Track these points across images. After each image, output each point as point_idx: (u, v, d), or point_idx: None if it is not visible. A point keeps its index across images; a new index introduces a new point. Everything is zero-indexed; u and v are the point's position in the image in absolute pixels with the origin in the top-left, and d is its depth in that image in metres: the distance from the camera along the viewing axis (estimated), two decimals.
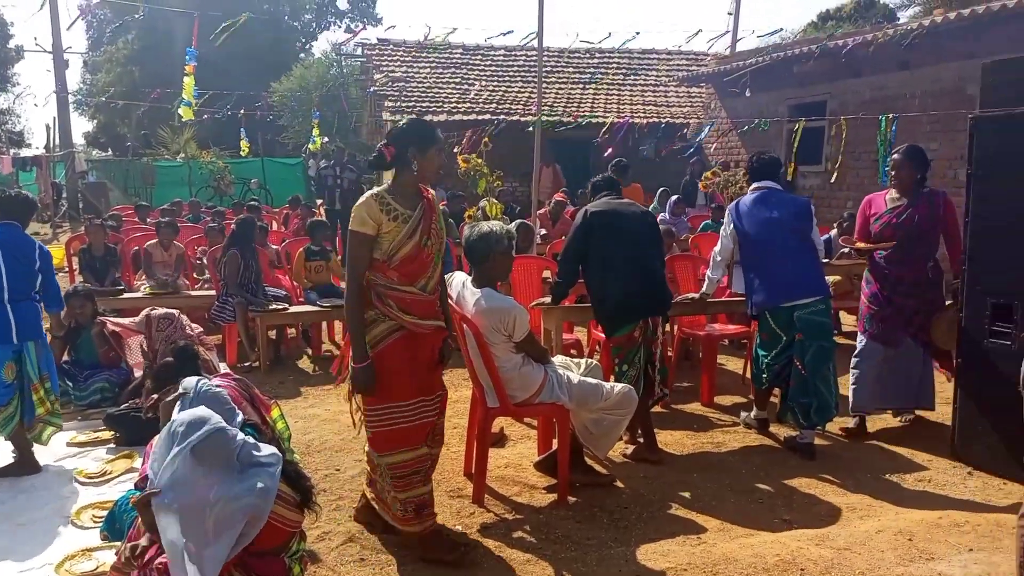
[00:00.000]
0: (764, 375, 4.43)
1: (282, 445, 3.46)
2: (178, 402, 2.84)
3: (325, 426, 4.75)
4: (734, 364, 6.18)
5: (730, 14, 21.37)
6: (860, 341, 4.58)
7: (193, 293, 7.02)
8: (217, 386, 2.98)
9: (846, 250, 7.31)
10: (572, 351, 5.49)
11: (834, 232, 7.57)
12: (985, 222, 3.94)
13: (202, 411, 2.49)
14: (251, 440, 2.49)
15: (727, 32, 16.68)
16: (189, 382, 2.87)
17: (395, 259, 3.01)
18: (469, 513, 3.54)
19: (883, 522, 3.38)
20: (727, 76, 12.83)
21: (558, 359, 3.94)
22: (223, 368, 5.01)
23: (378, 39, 18.32)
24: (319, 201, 12.72)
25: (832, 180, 9.48)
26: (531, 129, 7.82)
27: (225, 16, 10.80)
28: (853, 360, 4.57)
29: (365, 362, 3.01)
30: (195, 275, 7.72)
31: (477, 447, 3.71)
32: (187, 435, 2.38)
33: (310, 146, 14.44)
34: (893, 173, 4.42)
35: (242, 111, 13.88)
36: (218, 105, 18.29)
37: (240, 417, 3.00)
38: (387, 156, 3.06)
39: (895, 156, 4.44)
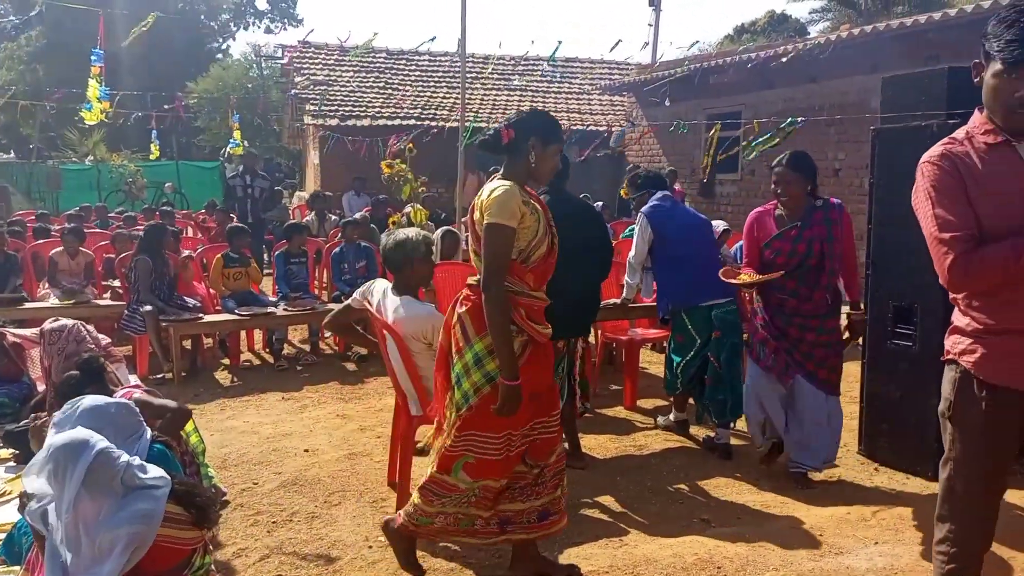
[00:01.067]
0: (679, 380, 4.48)
1: (196, 459, 3.34)
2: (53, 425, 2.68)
3: (243, 438, 4.61)
4: (656, 367, 6.31)
5: (650, 25, 21.90)
6: (750, 366, 4.10)
7: (101, 302, 6.70)
8: (121, 400, 2.84)
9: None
10: None
11: None
12: (887, 229, 4.14)
13: (81, 432, 2.37)
14: (136, 461, 2.38)
15: (647, 44, 17.09)
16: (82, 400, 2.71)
17: (532, 260, 2.68)
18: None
19: (795, 519, 3.51)
20: (648, 86, 13.14)
21: None
22: (133, 380, 4.79)
23: (299, 41, 17.95)
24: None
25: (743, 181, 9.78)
26: (460, 140, 7.80)
27: (134, 14, 10.40)
28: (745, 387, 4.16)
29: (518, 380, 2.58)
30: (103, 283, 7.38)
31: (401, 456, 3.66)
32: (68, 458, 2.26)
33: (231, 150, 13.99)
34: (779, 190, 3.81)
35: (154, 113, 13.35)
36: (130, 106, 17.57)
37: (148, 433, 2.87)
38: (504, 139, 2.72)
39: (777, 169, 3.81)
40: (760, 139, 7.11)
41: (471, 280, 2.78)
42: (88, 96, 7.24)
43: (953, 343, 2.07)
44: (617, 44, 15.90)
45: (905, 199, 3.96)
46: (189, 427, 3.41)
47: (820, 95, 10.14)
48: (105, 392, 3.11)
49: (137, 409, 2.90)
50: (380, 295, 3.67)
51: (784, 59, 9.18)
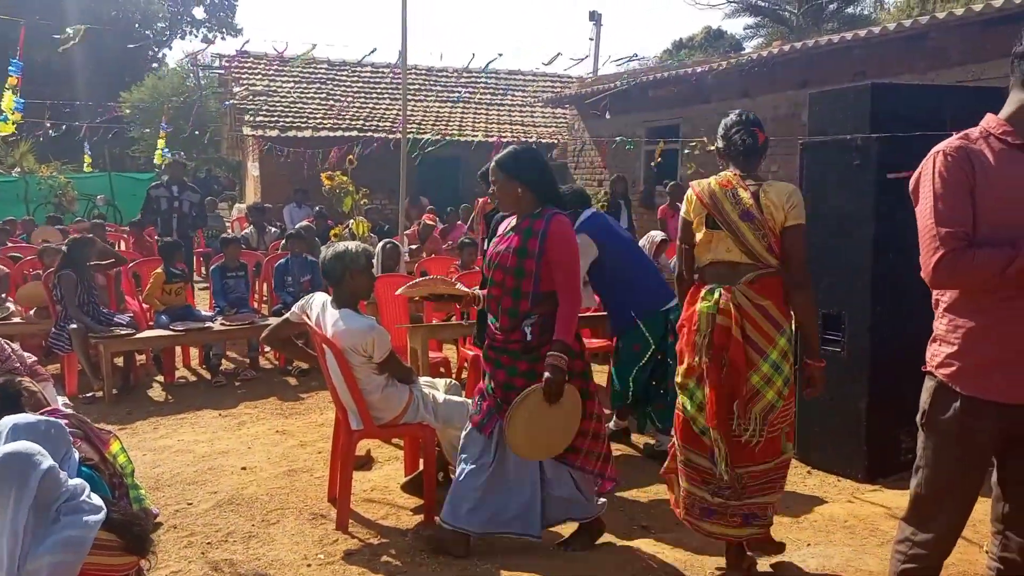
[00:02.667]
0: (631, 390, 4.44)
1: (124, 481, 3.23)
2: None
3: (177, 458, 4.48)
4: (599, 377, 6.35)
5: (591, 40, 22.26)
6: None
7: (16, 320, 6.43)
8: (50, 419, 2.74)
9: None
10: (441, 369, 5.49)
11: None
12: (815, 239, 4.27)
13: (26, 446, 2.28)
14: (79, 486, 2.30)
15: (586, 56, 17.35)
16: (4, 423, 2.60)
17: None
18: (332, 540, 3.43)
19: None
20: (588, 99, 13.34)
21: (421, 380, 3.91)
22: (61, 401, 4.61)
23: (237, 51, 17.65)
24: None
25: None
26: (413, 150, 7.77)
27: (65, 23, 10.05)
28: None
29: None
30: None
31: (341, 471, 3.61)
32: (13, 476, 2.17)
33: (158, 160, 13.61)
34: (491, 190, 3.28)
35: (85, 124, 12.92)
36: (61, 117, 16.99)
37: (76, 455, 2.77)
38: (759, 140, 2.92)
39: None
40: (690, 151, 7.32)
41: (752, 275, 2.81)
42: (2, 107, 6.95)
43: (931, 355, 2.08)
44: (556, 57, 16.09)
45: (832, 209, 4.15)
46: (116, 447, 3.30)
47: (753, 109, 10.37)
48: None
49: (66, 428, 2.80)
50: (319, 308, 3.63)
51: (717, 75, 9.45)
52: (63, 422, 2.87)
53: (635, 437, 4.81)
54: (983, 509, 2.21)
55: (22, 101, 7.26)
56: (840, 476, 4.18)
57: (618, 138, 11.38)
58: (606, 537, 3.44)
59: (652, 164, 10.26)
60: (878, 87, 3.98)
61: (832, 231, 4.17)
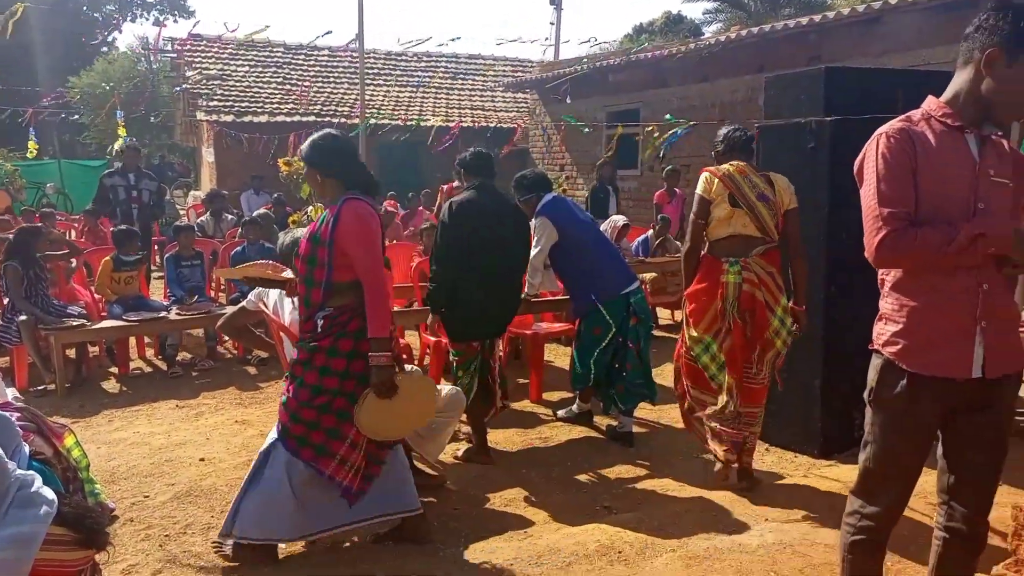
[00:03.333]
0: (591, 372, 4.46)
1: (79, 475, 3.16)
2: None
3: (133, 450, 4.39)
4: (561, 360, 6.40)
5: (552, 24, 22.20)
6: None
7: None
8: None
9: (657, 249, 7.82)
10: (403, 356, 5.45)
11: (650, 233, 8.06)
12: None
13: None
14: (29, 476, 2.23)
15: (542, 39, 17.30)
16: None
17: None
18: None
19: (692, 501, 3.64)
20: (549, 83, 13.31)
21: None
22: (11, 394, 4.48)
23: (190, 34, 17.23)
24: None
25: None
26: (357, 132, 7.66)
27: (4, 5, 9.71)
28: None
29: None
30: None
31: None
32: None
33: (116, 147, 13.23)
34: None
35: (30, 109, 12.52)
36: (6, 102, 16.43)
37: (27, 448, 2.70)
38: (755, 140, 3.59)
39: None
40: (655, 144, 7.40)
41: (762, 248, 3.52)
42: None
43: (878, 333, 2.11)
44: (515, 40, 16.01)
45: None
46: (70, 441, 3.22)
47: (712, 93, 10.53)
48: None
49: (14, 421, 2.72)
50: (277, 296, 3.58)
51: (677, 60, 9.50)
52: (14, 416, 2.79)
53: (598, 419, 4.84)
54: (930, 480, 2.27)
55: None
56: (797, 452, 4.27)
57: (565, 116, 11.36)
58: (568, 518, 3.48)
59: (607, 150, 10.28)
60: (831, 71, 4.03)
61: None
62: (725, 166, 3.55)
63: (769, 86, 4.36)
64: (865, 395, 2.14)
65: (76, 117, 22.10)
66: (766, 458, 4.26)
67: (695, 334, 3.60)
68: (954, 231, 1.90)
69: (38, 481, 2.40)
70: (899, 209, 1.94)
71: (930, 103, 2.06)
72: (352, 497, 3.01)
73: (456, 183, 8.78)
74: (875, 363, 2.12)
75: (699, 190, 3.55)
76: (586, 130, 11.38)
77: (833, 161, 3.90)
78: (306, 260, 2.95)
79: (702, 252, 3.62)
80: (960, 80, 2.01)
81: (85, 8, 35.22)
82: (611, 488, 3.90)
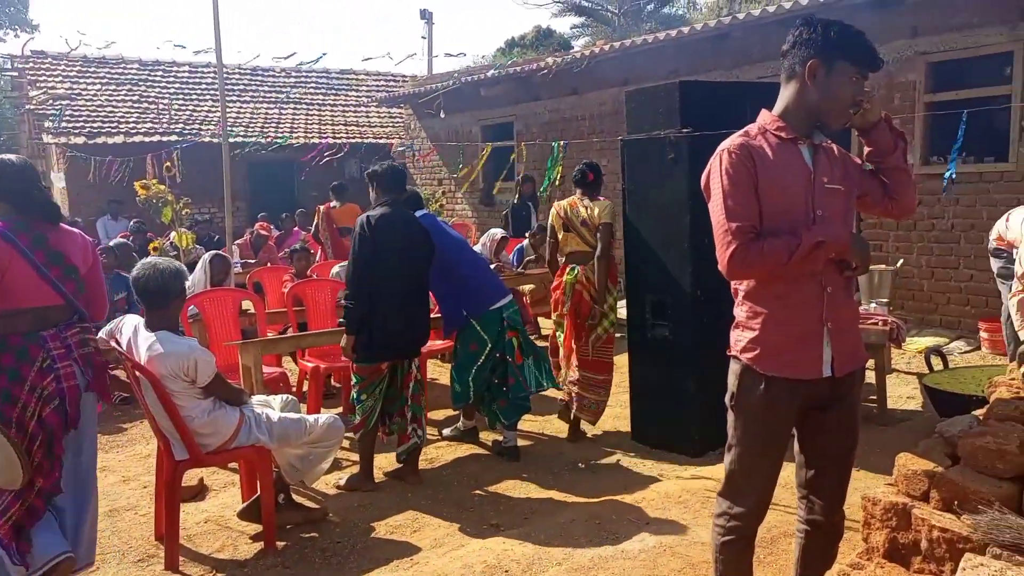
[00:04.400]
0: (471, 389, 4.46)
1: None
2: None
3: None
4: (445, 378, 6.34)
5: (424, 38, 22.18)
6: None
7: None
8: None
9: (531, 258, 7.91)
10: (280, 384, 5.23)
11: (526, 243, 8.13)
12: (638, 229, 4.49)
13: None
14: None
15: (415, 55, 17.27)
16: None
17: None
18: None
19: (577, 511, 3.68)
20: (422, 98, 13.26)
21: (254, 399, 3.70)
22: None
23: (32, 51, 16.00)
24: None
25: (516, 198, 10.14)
26: (223, 156, 7.33)
27: None
28: None
29: None
30: None
31: (167, 506, 3.34)
32: None
33: None
34: None
35: None
36: None
37: None
38: (589, 177, 4.71)
39: None
40: (549, 170, 7.63)
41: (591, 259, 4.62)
42: None
43: (735, 340, 2.17)
44: (385, 55, 15.90)
45: (651, 203, 4.36)
46: None
47: (581, 106, 10.80)
48: None
49: None
50: (130, 332, 3.33)
51: (547, 74, 9.68)
52: None
53: (484, 435, 4.82)
54: (788, 475, 2.39)
55: None
56: (676, 453, 4.40)
57: (399, 144, 11.36)
58: (455, 540, 3.43)
59: (479, 162, 10.34)
60: (685, 84, 4.22)
61: (654, 222, 4.39)
62: (564, 201, 4.78)
63: (629, 99, 4.51)
64: (726, 400, 2.21)
65: None
66: (647, 462, 4.37)
67: (554, 317, 4.89)
68: (796, 240, 1.99)
69: None
70: (745, 223, 2.02)
71: (764, 117, 2.16)
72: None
73: (334, 203, 8.60)
74: (733, 368, 2.19)
75: (549, 219, 4.86)
76: (460, 154, 11.45)
77: (692, 171, 4.05)
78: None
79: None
80: (787, 94, 2.12)
81: None
82: (499, 505, 3.88)
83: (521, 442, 4.65)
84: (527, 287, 7.58)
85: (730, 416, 2.21)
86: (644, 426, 4.65)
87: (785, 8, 7.34)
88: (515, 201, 9.07)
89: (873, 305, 5.58)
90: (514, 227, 8.77)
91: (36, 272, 2.83)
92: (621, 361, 4.86)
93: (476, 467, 4.44)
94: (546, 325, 8.10)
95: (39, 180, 3.08)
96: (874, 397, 4.82)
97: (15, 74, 16.99)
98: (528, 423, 4.83)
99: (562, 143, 7.20)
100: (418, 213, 4.47)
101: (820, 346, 2.10)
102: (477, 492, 4.06)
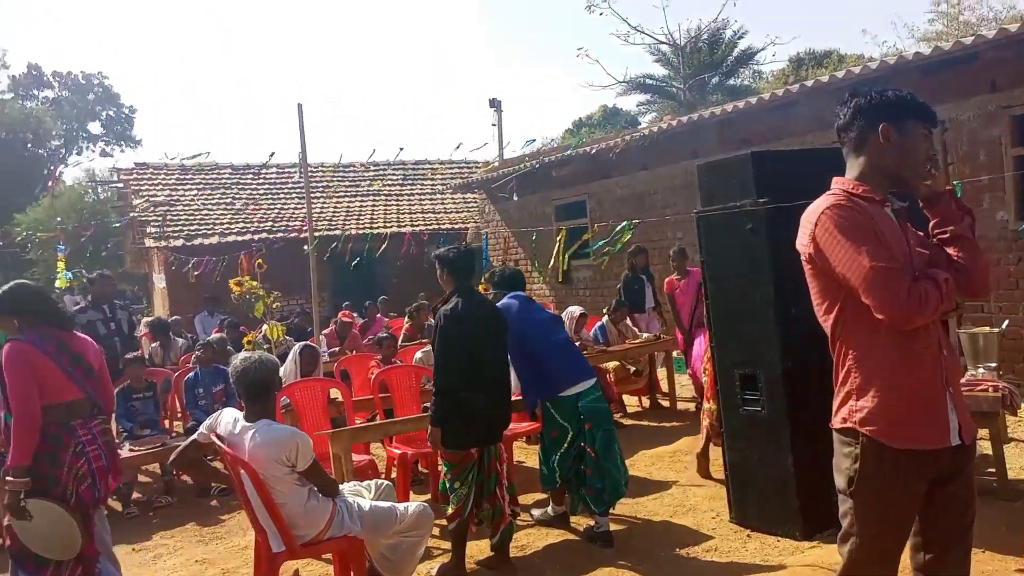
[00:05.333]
0: (556, 473, 4.43)
1: None
2: None
3: None
4: (532, 460, 6.27)
5: (494, 125, 22.97)
6: None
7: None
8: None
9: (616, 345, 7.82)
10: (368, 471, 5.28)
11: (605, 319, 8.07)
12: (721, 302, 4.41)
13: None
14: None
15: (486, 144, 17.86)
16: None
17: None
18: None
19: None
20: (495, 183, 13.64)
21: (347, 486, 3.75)
22: None
23: (135, 163, 17.36)
24: None
25: (602, 269, 10.20)
26: (307, 248, 7.68)
27: None
28: None
29: None
30: None
31: None
32: None
33: (57, 283, 12.97)
34: None
35: None
36: None
37: None
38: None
39: None
40: (606, 244, 7.64)
41: None
42: None
43: (849, 412, 2.02)
44: (459, 146, 16.50)
45: (733, 274, 4.29)
46: None
47: (652, 180, 10.88)
48: None
49: None
50: (230, 426, 3.45)
51: (617, 152, 9.83)
52: None
53: (575, 520, 4.70)
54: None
55: None
56: (779, 536, 4.18)
57: (475, 228, 11.57)
58: None
59: (560, 252, 10.46)
60: (757, 155, 4.20)
61: (737, 293, 4.30)
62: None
63: (701, 173, 4.51)
64: (841, 483, 2.04)
65: (27, 255, 21.81)
66: (749, 545, 4.16)
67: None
68: (943, 274, 1.95)
69: None
70: (894, 264, 1.93)
71: (843, 183, 2.13)
72: None
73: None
74: (846, 445, 2.03)
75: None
76: (534, 238, 11.67)
77: (772, 240, 3.99)
78: None
79: None
80: (860, 161, 2.12)
81: (29, 145, 35.39)
82: None
83: (614, 526, 4.51)
84: (611, 364, 7.49)
85: (846, 501, 2.04)
86: (743, 507, 4.44)
87: (855, 73, 7.31)
88: (628, 274, 8.65)
89: (981, 371, 5.26)
90: (628, 299, 8.33)
91: (64, 373, 3.44)
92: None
93: (570, 555, 4.31)
94: (631, 403, 7.97)
95: (52, 296, 3.77)
96: (992, 470, 4.49)
97: (120, 185, 18.44)
98: (621, 506, 4.69)
99: (635, 221, 7.23)
100: (506, 295, 4.55)
101: (946, 412, 1.98)
102: None
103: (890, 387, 1.97)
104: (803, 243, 2.09)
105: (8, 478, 3.25)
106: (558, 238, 10.52)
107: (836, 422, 2.09)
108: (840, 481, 2.05)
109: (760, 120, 8.88)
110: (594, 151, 11.24)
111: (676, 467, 5.76)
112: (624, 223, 7.39)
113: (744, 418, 4.33)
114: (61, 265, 12.43)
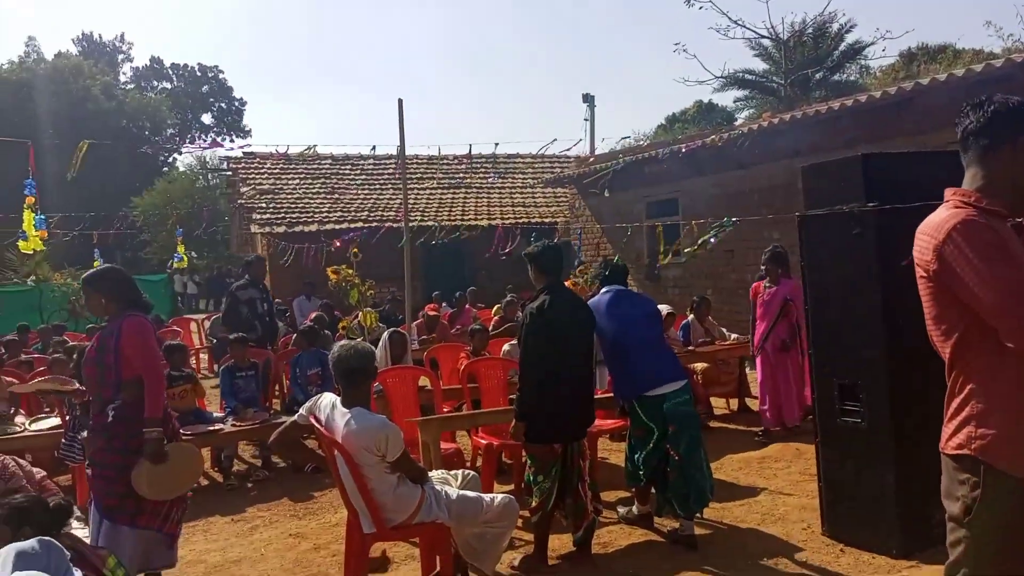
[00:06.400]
0: (641, 471, 4.43)
1: None
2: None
3: (189, 569, 4.37)
4: (616, 458, 6.24)
5: (586, 120, 22.87)
6: None
7: (32, 431, 6.34)
8: (47, 540, 2.70)
9: (705, 340, 7.67)
10: (454, 460, 5.39)
11: (691, 317, 7.91)
12: (822, 308, 4.26)
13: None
14: None
15: (580, 140, 17.80)
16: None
17: None
18: None
19: None
20: (587, 178, 13.58)
21: (435, 473, 3.84)
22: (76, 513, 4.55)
23: (243, 152, 18.19)
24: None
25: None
26: (401, 243, 7.87)
27: (76, 134, 10.43)
28: None
29: None
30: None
31: None
32: None
33: (175, 263, 13.81)
34: None
35: (96, 231, 13.25)
36: (73, 225, 17.43)
37: (78, 573, 2.73)
38: None
39: None
40: (700, 239, 7.42)
41: None
42: (23, 227, 7.18)
43: (967, 437, 1.92)
44: (553, 142, 16.56)
45: (835, 281, 4.14)
46: (112, 563, 3.23)
47: (749, 179, 10.59)
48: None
49: (63, 549, 2.76)
50: (328, 409, 3.60)
51: (712, 150, 9.61)
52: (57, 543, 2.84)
53: (659, 522, 4.66)
54: None
55: (43, 217, 7.46)
56: (874, 552, 4.02)
57: (564, 224, 11.48)
58: None
59: (660, 248, 10.30)
60: (869, 157, 4.03)
61: (840, 299, 4.15)
62: None
63: (806, 175, 4.37)
64: (956, 513, 1.93)
65: (143, 236, 23.23)
66: (841, 560, 4.03)
67: None
68: None
69: None
70: None
71: (967, 195, 1.99)
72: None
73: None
74: (963, 476, 1.92)
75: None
76: (627, 233, 11.53)
77: (880, 246, 3.84)
78: (96, 365, 3.71)
79: None
80: (986, 171, 1.98)
81: (147, 133, 37.63)
82: None
83: (698, 531, 4.45)
84: (699, 365, 7.36)
85: (958, 530, 1.93)
86: (836, 521, 4.29)
87: (976, 72, 6.89)
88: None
89: None
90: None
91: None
92: (809, 447, 4.56)
93: (652, 555, 4.28)
94: (719, 405, 7.81)
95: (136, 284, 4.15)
96: None
97: (229, 173, 19.38)
98: (707, 510, 4.61)
99: (734, 219, 7.05)
100: (611, 287, 4.53)
101: None
102: None
103: (1017, 416, 1.86)
104: (925, 258, 1.97)
105: (148, 429, 3.62)
106: (658, 231, 10.37)
107: (950, 447, 1.97)
108: (953, 508, 1.94)
109: (869, 119, 8.49)
110: (691, 148, 11.00)
111: (765, 474, 5.62)
112: (724, 218, 7.19)
113: (841, 429, 4.18)
114: (181, 248, 13.20)
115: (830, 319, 4.21)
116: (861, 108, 8.41)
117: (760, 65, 25.70)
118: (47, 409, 6.84)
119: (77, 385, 5.31)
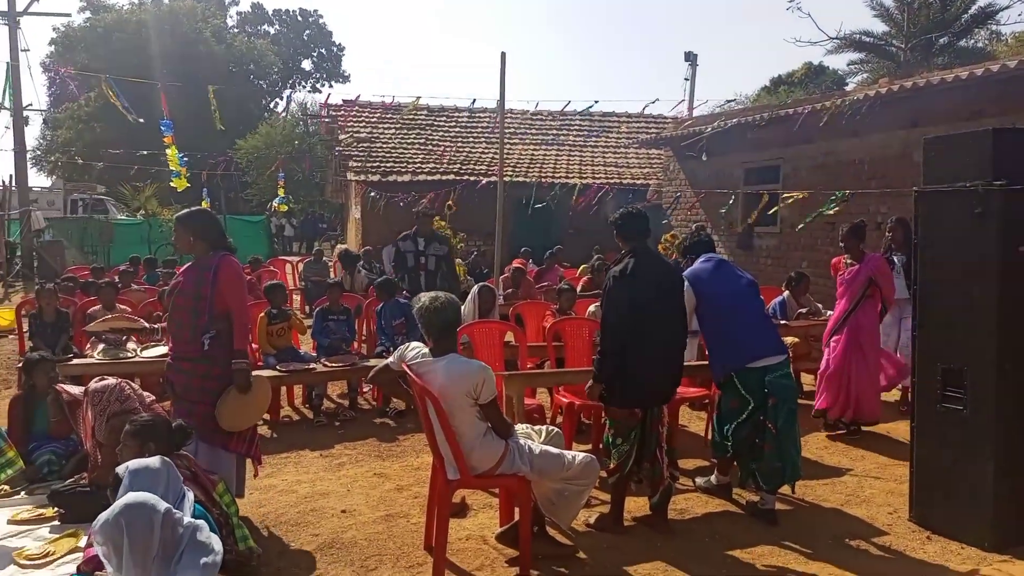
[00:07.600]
0: (729, 443, 4.37)
1: (229, 521, 3.37)
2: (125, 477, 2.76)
3: (281, 498, 4.62)
4: (696, 426, 6.19)
5: (687, 80, 22.16)
6: None
7: (144, 356, 6.77)
8: (162, 458, 2.91)
9: (803, 311, 7.43)
10: (535, 415, 5.47)
11: (786, 294, 7.67)
12: (933, 289, 4.06)
13: (143, 496, 2.42)
14: (199, 524, 2.42)
15: (683, 101, 17.28)
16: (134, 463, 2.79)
17: None
18: None
19: None
20: (684, 140, 13.21)
21: (519, 427, 3.90)
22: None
23: (343, 100, 18.54)
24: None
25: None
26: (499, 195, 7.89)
27: (188, 78, 10.84)
28: None
29: None
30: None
31: (437, 520, 3.63)
32: (132, 523, 2.30)
33: (276, 206, 14.35)
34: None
35: (205, 171, 13.87)
36: (182, 163, 18.31)
37: (191, 496, 2.91)
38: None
39: None
40: (819, 209, 7.10)
41: None
42: (170, 165, 7.60)
43: None
44: (654, 102, 16.14)
45: (950, 260, 3.92)
46: (221, 488, 3.45)
47: (861, 149, 10.07)
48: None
49: (176, 469, 2.96)
50: (418, 358, 3.69)
51: (824, 117, 9.17)
52: (173, 463, 3.04)
53: (738, 492, 4.61)
54: None
55: (183, 156, 7.82)
56: (963, 543, 3.88)
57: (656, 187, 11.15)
58: None
59: (752, 214, 9.98)
60: (1000, 132, 3.76)
61: (953, 281, 3.94)
62: None
63: (929, 147, 4.11)
64: None
65: (245, 178, 24.13)
66: (928, 547, 3.90)
67: None
68: None
69: (205, 528, 2.58)
70: None
71: None
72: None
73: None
74: None
75: None
76: (729, 204, 11.17)
77: (1004, 228, 3.61)
78: (192, 297, 4.00)
79: None
80: None
81: (252, 77, 38.77)
82: (754, 569, 3.69)
83: (779, 506, 4.38)
84: (789, 340, 7.14)
85: None
86: (926, 507, 4.14)
87: None
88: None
89: None
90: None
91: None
92: (900, 430, 4.40)
93: (729, 525, 4.25)
94: (807, 381, 7.59)
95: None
96: None
97: (328, 120, 19.81)
98: (788, 488, 4.53)
99: (848, 192, 6.73)
100: (699, 258, 4.46)
101: None
102: (729, 552, 3.89)
103: None
104: None
105: (237, 360, 3.99)
106: (761, 204, 10.00)
107: None
108: None
109: (1000, 91, 7.89)
110: (800, 113, 10.50)
111: (851, 455, 5.46)
112: (837, 192, 6.86)
113: (941, 415, 4.01)
114: (281, 191, 13.66)
115: (940, 300, 4.01)
116: (992, 78, 7.82)
117: (879, 27, 24.20)
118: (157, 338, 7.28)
119: (145, 324, 6.25)
